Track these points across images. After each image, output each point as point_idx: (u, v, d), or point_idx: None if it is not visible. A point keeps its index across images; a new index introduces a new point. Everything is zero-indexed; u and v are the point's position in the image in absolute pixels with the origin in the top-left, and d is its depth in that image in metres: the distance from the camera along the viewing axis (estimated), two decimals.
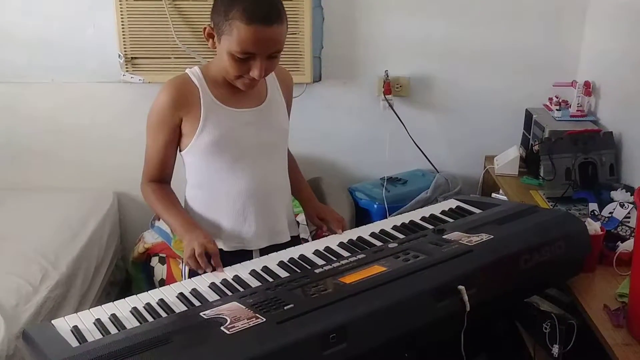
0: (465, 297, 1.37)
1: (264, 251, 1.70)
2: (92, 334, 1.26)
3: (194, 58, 2.73)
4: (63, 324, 1.30)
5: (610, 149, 2.36)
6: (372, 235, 1.70)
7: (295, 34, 2.70)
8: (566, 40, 2.83)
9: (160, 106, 1.59)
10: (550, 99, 2.73)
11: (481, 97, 2.93)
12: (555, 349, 1.85)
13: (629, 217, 1.98)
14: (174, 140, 1.63)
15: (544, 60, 2.86)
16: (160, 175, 1.67)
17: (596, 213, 2.07)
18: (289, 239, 1.77)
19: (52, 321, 1.31)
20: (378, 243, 1.64)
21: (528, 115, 2.73)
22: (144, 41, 2.78)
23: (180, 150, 1.66)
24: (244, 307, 1.26)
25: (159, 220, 2.85)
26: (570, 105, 2.65)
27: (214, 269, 1.52)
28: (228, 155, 1.63)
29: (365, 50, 2.89)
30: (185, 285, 1.46)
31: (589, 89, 2.62)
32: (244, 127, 1.64)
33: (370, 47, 2.89)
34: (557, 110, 2.63)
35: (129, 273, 3.01)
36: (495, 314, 2.15)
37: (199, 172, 1.67)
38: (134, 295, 1.42)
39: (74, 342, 1.22)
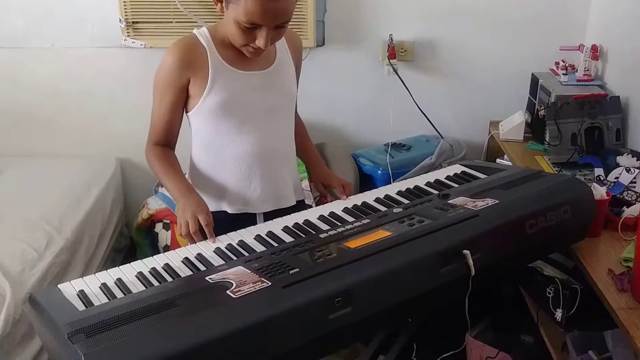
0: (470, 262, 1.37)
1: (268, 215, 1.70)
2: (99, 298, 1.27)
3: (196, 22, 2.69)
4: (69, 289, 1.30)
5: (617, 113, 2.34)
6: (377, 200, 1.69)
7: None
8: (573, 3, 2.78)
9: (168, 67, 1.57)
10: (557, 63, 2.69)
11: (486, 62, 2.89)
12: (559, 314, 1.87)
13: (635, 182, 1.97)
14: (181, 102, 1.62)
15: (551, 24, 2.81)
16: (166, 139, 1.66)
17: (602, 178, 2.06)
18: (294, 203, 1.76)
19: (59, 285, 1.32)
20: (383, 208, 1.63)
21: (534, 80, 2.70)
22: (145, 5, 2.73)
23: (186, 112, 1.65)
24: (250, 272, 1.27)
25: (162, 186, 2.85)
26: (577, 70, 2.62)
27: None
28: (235, 117, 1.62)
29: (370, 13, 2.85)
30: (191, 250, 1.47)
31: (596, 52, 2.59)
32: (251, 90, 1.62)
33: (374, 10, 2.84)
34: (563, 74, 2.59)
35: (133, 239, 3.02)
36: (500, 279, 2.16)
37: (205, 134, 1.66)
38: (140, 260, 1.43)
39: (80, 306, 1.23)
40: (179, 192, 1.60)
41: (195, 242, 1.50)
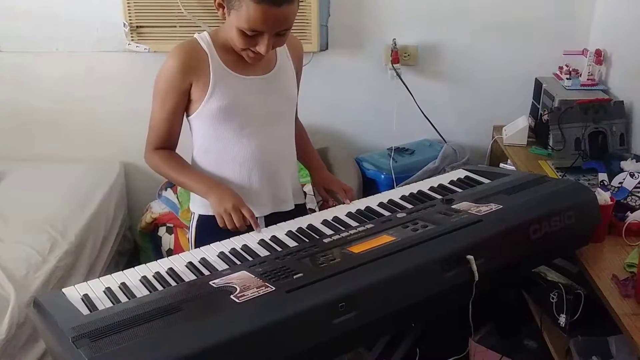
0: (474, 267, 1.37)
1: (268, 218, 1.70)
2: (103, 303, 1.27)
3: (200, 27, 2.69)
4: (73, 293, 1.31)
5: (621, 118, 2.33)
6: (381, 205, 1.69)
7: (303, 1, 2.67)
8: (577, 7, 2.79)
9: (169, 71, 1.57)
10: (561, 68, 2.69)
11: (490, 66, 2.89)
12: (562, 319, 1.86)
13: (639, 187, 1.96)
14: (182, 107, 1.62)
15: (555, 28, 2.82)
16: (167, 143, 1.67)
17: (606, 183, 2.06)
18: (293, 207, 1.77)
19: (63, 290, 1.32)
20: (386, 213, 1.63)
21: (537, 85, 2.70)
22: (150, 10, 2.74)
23: (187, 116, 1.66)
24: (254, 276, 1.26)
25: (165, 190, 2.85)
26: (580, 74, 2.62)
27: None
28: (236, 121, 1.62)
29: (373, 18, 2.85)
30: (194, 255, 1.47)
31: (600, 57, 2.59)
32: (252, 94, 1.62)
33: (377, 15, 2.84)
34: (567, 79, 2.60)
35: (136, 243, 3.02)
36: (503, 284, 2.16)
37: (206, 138, 1.67)
38: (143, 265, 1.43)
39: (84, 310, 1.23)
40: (205, 186, 1.62)
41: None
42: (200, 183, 1.63)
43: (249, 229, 1.56)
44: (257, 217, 1.70)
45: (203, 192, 1.63)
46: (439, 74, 2.93)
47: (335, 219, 1.62)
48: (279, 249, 1.48)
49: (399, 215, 1.56)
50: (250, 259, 1.43)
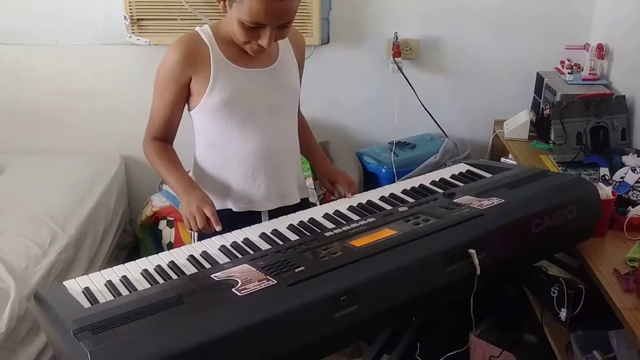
0: (476, 261, 1.37)
1: (273, 213, 1.70)
2: (104, 295, 1.27)
3: (201, 20, 2.68)
4: (74, 285, 1.30)
5: (623, 113, 2.33)
6: (382, 199, 1.69)
7: None
8: (579, 2, 2.78)
9: (169, 63, 1.57)
10: (562, 62, 2.68)
11: (491, 60, 2.89)
12: (563, 313, 1.86)
13: None
14: (181, 99, 1.62)
15: (556, 22, 2.81)
16: (164, 134, 1.66)
17: (607, 178, 2.05)
18: (299, 200, 1.76)
19: (64, 282, 1.32)
20: (388, 207, 1.63)
21: (539, 79, 2.69)
22: (150, 2, 2.73)
23: (189, 110, 1.65)
24: (255, 270, 1.26)
25: (166, 183, 2.85)
26: (582, 69, 2.61)
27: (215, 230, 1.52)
28: (237, 115, 1.62)
29: (375, 11, 2.84)
30: (196, 248, 1.47)
31: (602, 51, 2.58)
32: (254, 87, 1.62)
33: (379, 8, 2.84)
34: (569, 73, 2.59)
35: (136, 236, 3.02)
36: (504, 278, 2.16)
37: (208, 133, 1.66)
38: (144, 258, 1.43)
39: (85, 303, 1.23)
40: (181, 187, 1.60)
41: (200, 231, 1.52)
42: (178, 182, 1.61)
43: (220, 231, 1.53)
44: (260, 212, 1.70)
45: (178, 193, 1.62)
46: (441, 68, 2.92)
47: (337, 212, 1.62)
48: (280, 242, 1.47)
49: (401, 209, 1.56)
50: (251, 252, 1.43)
